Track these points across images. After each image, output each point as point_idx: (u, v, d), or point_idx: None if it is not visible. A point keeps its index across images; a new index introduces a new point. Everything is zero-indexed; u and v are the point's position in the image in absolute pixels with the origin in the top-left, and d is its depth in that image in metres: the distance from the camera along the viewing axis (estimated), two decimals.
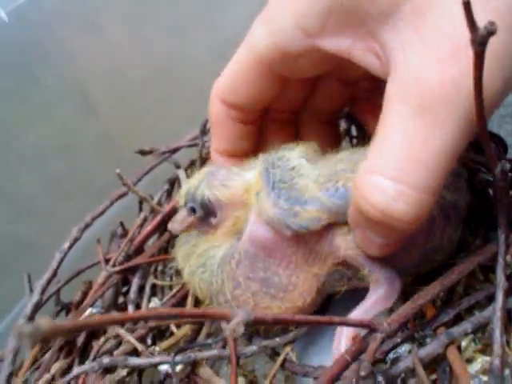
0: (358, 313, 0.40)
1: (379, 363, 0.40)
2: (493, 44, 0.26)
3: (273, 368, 0.44)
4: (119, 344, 0.50)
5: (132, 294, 0.55)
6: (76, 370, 0.43)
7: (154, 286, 0.57)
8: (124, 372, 0.43)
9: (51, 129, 0.79)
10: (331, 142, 0.55)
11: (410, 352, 0.40)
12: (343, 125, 0.71)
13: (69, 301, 0.60)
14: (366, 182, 0.34)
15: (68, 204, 0.78)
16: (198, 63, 0.92)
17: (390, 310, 0.40)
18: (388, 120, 0.34)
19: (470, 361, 0.41)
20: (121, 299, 0.58)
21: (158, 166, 0.65)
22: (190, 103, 0.88)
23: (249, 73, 0.43)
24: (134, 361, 0.44)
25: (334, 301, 0.47)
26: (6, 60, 0.72)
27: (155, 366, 0.44)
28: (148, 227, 0.60)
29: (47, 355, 0.50)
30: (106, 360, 0.43)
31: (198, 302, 0.52)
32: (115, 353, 0.48)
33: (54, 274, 0.53)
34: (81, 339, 0.52)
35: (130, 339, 0.46)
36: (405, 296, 0.41)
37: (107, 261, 0.57)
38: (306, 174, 0.40)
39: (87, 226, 0.56)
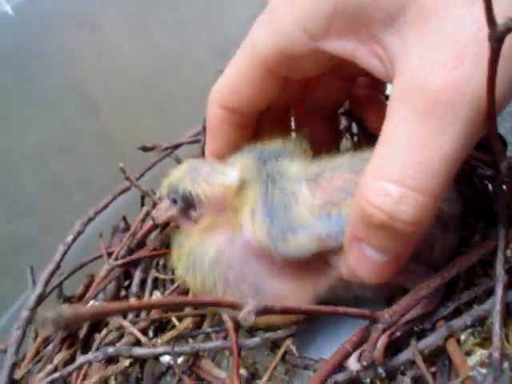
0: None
1: None
2: (505, 42, 0.26)
3: (273, 361, 0.45)
4: (121, 336, 0.50)
5: (134, 288, 0.55)
6: (80, 359, 0.43)
7: (155, 280, 0.58)
8: (126, 363, 0.44)
9: (51, 127, 0.79)
10: (331, 137, 0.55)
11: (409, 344, 0.40)
12: (344, 122, 0.72)
13: (71, 294, 0.60)
14: (371, 185, 0.34)
15: (68, 203, 0.78)
16: (199, 63, 0.93)
17: (391, 302, 0.40)
18: (392, 124, 0.34)
19: (468, 354, 0.42)
20: (123, 292, 0.58)
21: (160, 161, 0.65)
22: (190, 102, 0.89)
23: (250, 76, 0.43)
24: (138, 351, 0.44)
25: None
26: (7, 56, 0.72)
27: (158, 356, 0.45)
28: (150, 221, 0.60)
29: (50, 347, 0.50)
30: (110, 349, 0.43)
31: None
32: (117, 344, 0.48)
33: (58, 267, 0.53)
34: (83, 332, 0.53)
35: (133, 331, 0.47)
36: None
37: (109, 254, 0.58)
38: (302, 200, 0.40)
39: (90, 220, 0.57)
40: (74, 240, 0.54)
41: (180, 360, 0.47)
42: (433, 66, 0.32)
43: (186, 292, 0.54)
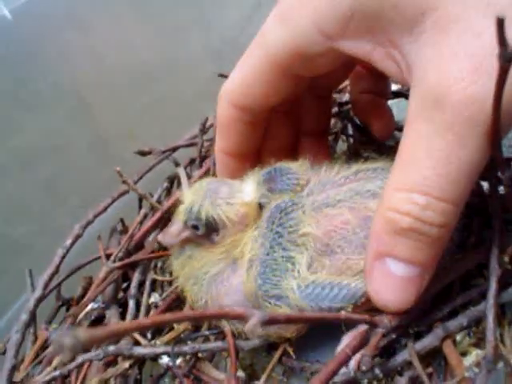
0: None
1: (376, 356, 0.41)
2: None
3: (270, 363, 0.45)
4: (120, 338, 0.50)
5: (132, 289, 0.55)
6: (81, 357, 0.43)
7: (153, 282, 0.58)
8: (126, 364, 0.44)
9: (46, 129, 0.79)
10: (326, 115, 0.57)
11: (406, 345, 0.40)
12: (339, 124, 0.72)
13: (69, 296, 0.61)
14: (396, 196, 0.35)
15: (64, 205, 0.78)
16: (194, 63, 0.93)
17: None
18: (411, 138, 0.35)
19: (464, 354, 0.42)
20: (120, 294, 0.59)
21: (158, 164, 0.65)
22: (185, 103, 0.89)
23: (263, 75, 0.43)
24: (139, 350, 0.45)
25: None
26: (2, 58, 0.73)
27: (159, 356, 0.45)
28: (148, 223, 0.60)
29: (49, 349, 0.50)
30: (111, 348, 0.44)
31: None
32: (117, 345, 0.48)
33: (57, 270, 0.53)
34: None
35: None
36: None
37: (108, 256, 0.58)
38: (299, 261, 0.41)
39: (89, 223, 0.57)
40: (73, 243, 0.55)
41: (179, 361, 0.47)
42: (450, 79, 0.32)
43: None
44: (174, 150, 0.67)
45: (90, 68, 0.84)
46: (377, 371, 0.38)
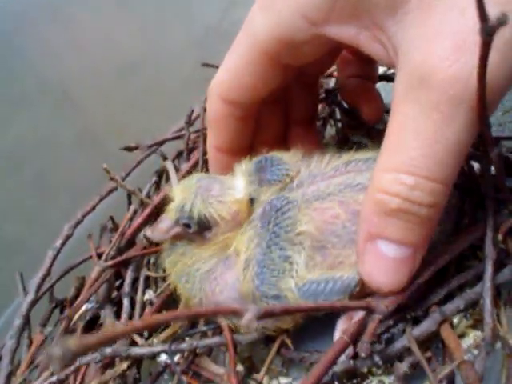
0: None
1: (375, 343, 0.41)
2: (499, 37, 0.25)
3: (269, 355, 0.45)
4: None
5: (126, 288, 0.55)
6: (78, 360, 0.43)
7: (147, 278, 0.57)
8: (124, 365, 0.44)
9: (31, 126, 0.78)
10: (313, 101, 0.57)
11: (404, 331, 0.40)
12: (327, 109, 0.72)
13: (62, 297, 0.60)
14: (384, 177, 0.35)
15: (54, 202, 0.78)
16: (178, 52, 0.92)
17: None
18: (397, 120, 0.34)
19: (462, 336, 0.42)
20: (114, 293, 0.58)
21: (145, 159, 0.64)
22: (171, 94, 0.88)
23: (251, 66, 0.43)
24: (136, 350, 0.44)
25: None
26: None
27: (156, 355, 0.45)
28: (138, 219, 0.60)
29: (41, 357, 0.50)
30: (108, 350, 0.43)
31: None
32: (114, 346, 0.48)
33: (48, 273, 0.53)
34: (77, 334, 0.52)
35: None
36: None
37: (99, 255, 0.57)
38: (296, 270, 0.40)
39: (78, 222, 0.56)
40: (63, 244, 0.54)
41: (177, 358, 0.47)
42: (434, 58, 0.31)
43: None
44: (161, 143, 0.66)
45: (73, 62, 0.83)
46: (376, 358, 0.38)
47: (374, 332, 0.35)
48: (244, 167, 0.46)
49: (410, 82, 0.33)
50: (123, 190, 0.59)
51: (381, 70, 0.67)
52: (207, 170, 0.58)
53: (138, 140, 0.67)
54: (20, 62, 0.77)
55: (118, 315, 0.54)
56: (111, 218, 0.65)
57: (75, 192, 0.75)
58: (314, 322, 0.45)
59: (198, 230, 0.44)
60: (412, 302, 0.40)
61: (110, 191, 0.60)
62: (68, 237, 0.55)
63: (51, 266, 0.53)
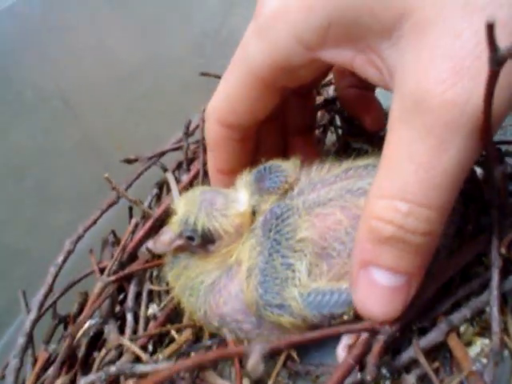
0: None
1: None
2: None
3: (275, 368, 0.45)
4: (120, 354, 0.50)
5: (130, 302, 0.55)
6: (83, 380, 0.42)
7: (150, 292, 0.57)
8: (130, 383, 0.43)
9: (30, 135, 0.78)
10: (310, 110, 0.57)
11: (410, 342, 0.40)
12: (327, 116, 0.72)
13: (66, 313, 0.59)
14: (378, 204, 0.34)
15: (54, 211, 0.77)
16: (177, 60, 0.92)
17: None
18: (393, 144, 0.34)
19: (469, 344, 0.42)
20: (117, 308, 0.58)
21: (145, 171, 0.64)
22: (171, 98, 0.88)
23: (247, 91, 0.43)
24: (141, 368, 0.44)
25: None
26: None
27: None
28: (140, 233, 0.59)
29: (49, 371, 0.49)
30: (112, 369, 0.43)
31: None
32: (117, 363, 0.47)
33: (51, 289, 0.52)
34: (81, 351, 0.52)
35: (134, 348, 0.46)
36: None
37: (102, 270, 0.57)
38: (298, 278, 0.40)
39: (80, 237, 0.56)
40: (64, 260, 0.54)
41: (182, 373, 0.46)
42: (430, 83, 0.31)
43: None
44: (161, 155, 0.66)
45: (72, 70, 0.83)
46: (383, 371, 0.38)
47: (379, 353, 0.35)
48: (245, 179, 0.46)
49: (405, 106, 0.32)
50: (124, 202, 0.59)
51: None
52: (208, 180, 0.58)
53: (137, 147, 0.67)
54: (19, 70, 0.77)
55: (121, 330, 0.54)
56: (113, 232, 0.64)
57: (75, 201, 0.75)
58: None
59: (201, 242, 0.44)
60: (418, 312, 0.40)
61: (111, 204, 0.60)
62: (70, 252, 0.55)
63: (53, 282, 0.53)
